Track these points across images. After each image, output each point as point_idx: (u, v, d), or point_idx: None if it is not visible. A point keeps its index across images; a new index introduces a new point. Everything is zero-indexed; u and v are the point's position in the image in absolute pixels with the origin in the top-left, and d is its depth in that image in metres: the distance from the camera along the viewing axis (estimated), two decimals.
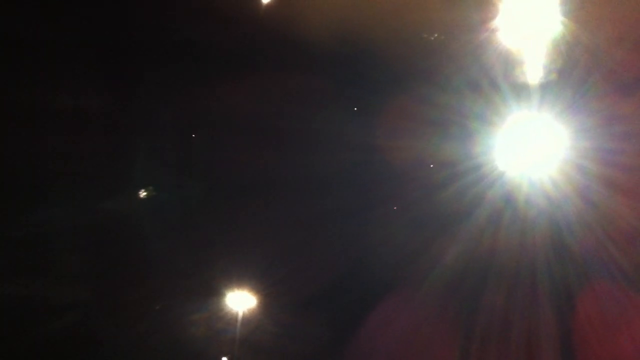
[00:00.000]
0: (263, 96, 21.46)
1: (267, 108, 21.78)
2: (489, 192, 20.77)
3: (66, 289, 22.63)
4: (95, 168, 22.42)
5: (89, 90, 21.77)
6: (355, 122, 20.92)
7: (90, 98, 21.76)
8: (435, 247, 21.99)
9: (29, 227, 22.20)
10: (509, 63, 17.57)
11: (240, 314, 24.04)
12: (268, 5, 19.49)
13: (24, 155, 21.68)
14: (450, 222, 21.37)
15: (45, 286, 22.54)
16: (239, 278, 23.96)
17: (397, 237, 23.57)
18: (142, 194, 23.33)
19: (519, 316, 23.51)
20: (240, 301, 24.06)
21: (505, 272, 23.14)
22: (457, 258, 22.07)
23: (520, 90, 18.14)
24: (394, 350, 24.56)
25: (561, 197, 20.49)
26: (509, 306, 23.39)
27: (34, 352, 22.97)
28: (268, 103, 21.68)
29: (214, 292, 23.92)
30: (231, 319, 24.02)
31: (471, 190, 20.64)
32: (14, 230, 22.02)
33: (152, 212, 23.35)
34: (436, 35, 17.80)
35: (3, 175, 21.70)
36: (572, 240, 21.55)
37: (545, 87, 17.93)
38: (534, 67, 17.38)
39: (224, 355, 24.15)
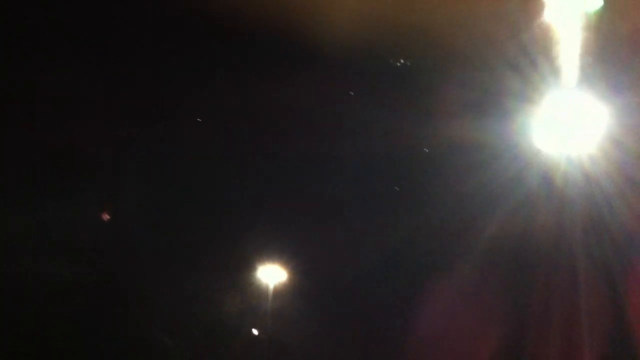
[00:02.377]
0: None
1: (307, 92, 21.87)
2: (527, 172, 20.36)
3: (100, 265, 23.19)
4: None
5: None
6: (391, 104, 20.64)
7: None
8: (473, 228, 21.73)
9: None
10: (548, 39, 16.95)
11: (271, 287, 24.28)
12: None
13: None
14: (487, 203, 21.06)
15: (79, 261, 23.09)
16: (270, 252, 24.16)
17: (434, 219, 23.34)
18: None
19: (558, 299, 23.21)
20: (271, 275, 24.30)
21: (544, 254, 22.83)
22: (494, 240, 21.77)
23: (560, 66, 17.53)
24: (428, 332, 24.49)
25: (601, 176, 19.99)
26: (548, 289, 23.10)
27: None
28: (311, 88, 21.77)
29: (246, 265, 24.18)
30: (262, 293, 24.30)
31: (509, 170, 20.28)
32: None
33: (188, 186, 23.59)
34: (473, 13, 17.25)
35: None
36: (613, 219, 21.11)
37: (586, 63, 17.27)
38: (574, 43, 16.71)
39: (255, 328, 24.48)
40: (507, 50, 17.22)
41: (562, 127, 18.77)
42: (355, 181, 24.25)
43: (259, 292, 24.17)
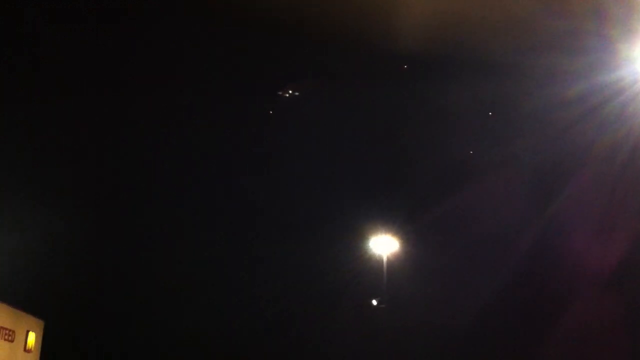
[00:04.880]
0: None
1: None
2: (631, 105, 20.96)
3: None
4: None
5: None
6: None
7: None
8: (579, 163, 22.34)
9: None
10: None
11: (385, 257, 24.81)
12: None
13: None
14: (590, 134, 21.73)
15: None
16: (384, 223, 24.85)
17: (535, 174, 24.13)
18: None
19: None
20: (384, 245, 24.87)
21: None
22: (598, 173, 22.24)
23: None
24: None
25: None
26: None
27: None
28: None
29: (360, 236, 24.87)
30: (377, 262, 24.82)
31: (612, 103, 20.92)
32: None
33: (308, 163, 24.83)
34: None
35: None
36: None
37: None
38: None
39: (373, 298, 24.77)
40: None
41: None
42: (464, 153, 25.32)
43: (373, 261, 24.73)
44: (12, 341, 19.15)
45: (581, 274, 25.11)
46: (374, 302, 24.64)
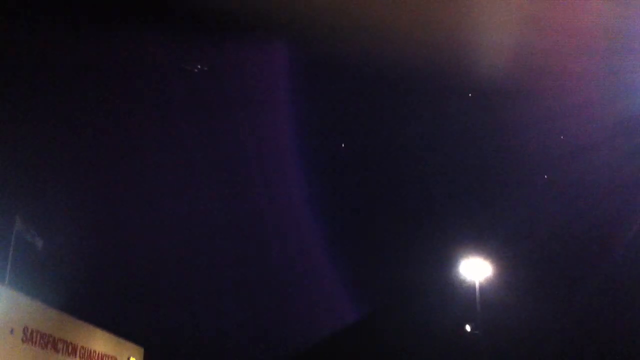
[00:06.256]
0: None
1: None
2: None
3: None
4: None
5: None
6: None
7: None
8: None
9: None
10: None
11: (477, 283, 24.08)
12: None
13: None
14: None
15: None
16: (475, 246, 24.22)
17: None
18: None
19: None
20: (476, 270, 24.16)
21: None
22: None
23: None
24: None
25: None
26: None
27: None
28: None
29: (452, 261, 24.30)
30: (470, 287, 24.14)
31: None
32: None
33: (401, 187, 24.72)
34: None
35: None
36: None
37: None
38: None
39: (467, 323, 24.08)
40: None
41: None
42: (552, 177, 24.54)
43: (466, 286, 24.11)
44: None
45: None
46: (468, 328, 23.98)
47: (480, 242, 24.22)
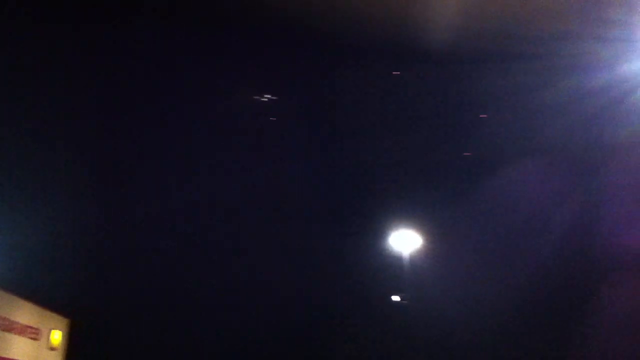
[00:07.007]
0: None
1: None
2: None
3: None
4: None
5: None
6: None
7: None
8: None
9: None
10: None
11: (407, 253, 24.57)
12: None
13: None
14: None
15: None
16: (406, 218, 24.65)
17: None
18: None
19: None
20: (406, 240, 24.65)
21: None
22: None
23: None
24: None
25: None
26: None
27: None
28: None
29: (382, 232, 24.72)
30: (398, 258, 24.62)
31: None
32: None
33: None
34: None
35: None
36: None
37: None
38: None
39: (394, 294, 24.65)
40: None
41: None
42: (487, 145, 25.00)
43: (394, 257, 24.57)
44: (37, 339, 19.48)
45: (609, 266, 24.78)
46: (395, 299, 24.57)
47: (410, 214, 24.69)
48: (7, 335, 17.67)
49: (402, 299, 24.15)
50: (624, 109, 20.95)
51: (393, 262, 24.56)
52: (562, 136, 23.16)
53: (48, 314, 20.46)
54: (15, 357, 18.08)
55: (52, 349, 20.56)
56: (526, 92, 24.06)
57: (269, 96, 24.59)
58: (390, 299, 24.68)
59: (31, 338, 19.14)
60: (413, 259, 24.53)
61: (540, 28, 20.63)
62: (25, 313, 18.86)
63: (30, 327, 19.11)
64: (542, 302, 25.21)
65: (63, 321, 21.49)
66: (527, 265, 24.09)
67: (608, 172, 24.44)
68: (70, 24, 22.27)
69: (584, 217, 24.94)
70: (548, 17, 20.50)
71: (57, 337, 20.76)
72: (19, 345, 18.31)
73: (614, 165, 24.26)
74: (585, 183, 24.32)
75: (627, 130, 21.80)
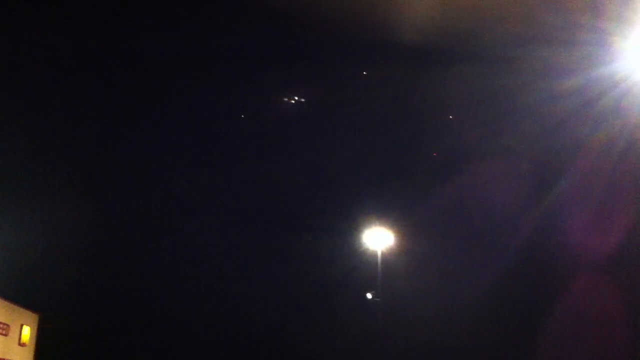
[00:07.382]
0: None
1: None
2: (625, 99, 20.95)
3: None
4: None
5: None
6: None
7: None
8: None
9: None
10: None
11: (380, 251, 24.67)
12: None
13: None
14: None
15: None
16: (378, 216, 24.78)
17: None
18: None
19: None
20: (379, 238, 24.73)
21: None
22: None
23: None
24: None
25: None
26: None
27: None
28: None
29: (355, 229, 24.80)
30: (371, 256, 24.71)
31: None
32: None
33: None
34: None
35: None
36: None
37: None
38: None
39: (368, 292, 24.69)
40: None
41: None
42: (460, 145, 25.28)
43: (368, 255, 24.64)
44: (6, 335, 19.21)
45: (577, 266, 25.24)
46: (369, 296, 24.60)
47: (384, 212, 24.84)
48: None
49: (374, 297, 24.22)
50: (592, 112, 21.37)
51: (366, 260, 24.66)
52: (531, 138, 23.55)
53: (17, 309, 20.19)
54: None
55: (22, 344, 20.30)
56: (497, 94, 24.41)
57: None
58: (365, 296, 24.74)
59: (1, 334, 18.89)
60: (385, 256, 24.65)
61: (512, 32, 20.95)
62: None
63: (0, 323, 18.86)
64: (510, 299, 25.59)
65: (33, 317, 21.24)
66: (495, 263, 24.45)
67: (575, 173, 24.89)
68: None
69: (551, 217, 25.37)
70: (520, 21, 20.84)
71: (26, 332, 20.51)
72: None
73: (581, 166, 24.72)
74: (553, 183, 24.73)
75: (594, 133, 22.24)
